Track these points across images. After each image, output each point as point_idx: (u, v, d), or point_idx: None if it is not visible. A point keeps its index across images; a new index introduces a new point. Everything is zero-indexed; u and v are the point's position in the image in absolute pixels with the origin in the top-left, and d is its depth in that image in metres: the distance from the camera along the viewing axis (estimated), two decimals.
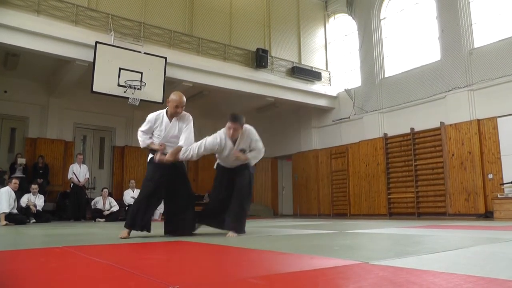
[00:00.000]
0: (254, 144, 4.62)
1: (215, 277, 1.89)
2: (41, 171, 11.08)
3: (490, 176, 9.74)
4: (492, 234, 4.32)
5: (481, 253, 2.64)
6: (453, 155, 10.46)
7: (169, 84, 10.65)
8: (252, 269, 2.14)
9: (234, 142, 4.53)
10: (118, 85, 9.55)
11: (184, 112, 4.45)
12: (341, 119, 13.82)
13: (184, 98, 4.43)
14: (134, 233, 4.26)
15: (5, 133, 11.88)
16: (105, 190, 10.89)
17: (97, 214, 10.45)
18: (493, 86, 9.86)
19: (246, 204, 4.61)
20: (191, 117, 4.51)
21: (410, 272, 1.84)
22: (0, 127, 11.79)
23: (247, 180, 4.60)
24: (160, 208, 4.77)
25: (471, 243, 3.30)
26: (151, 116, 4.43)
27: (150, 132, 4.43)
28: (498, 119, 9.73)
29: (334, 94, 14.13)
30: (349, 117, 13.50)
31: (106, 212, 10.47)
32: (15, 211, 8.58)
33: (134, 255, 2.88)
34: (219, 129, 4.73)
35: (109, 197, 10.85)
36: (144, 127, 4.43)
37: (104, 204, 10.62)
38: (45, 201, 9.88)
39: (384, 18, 13.05)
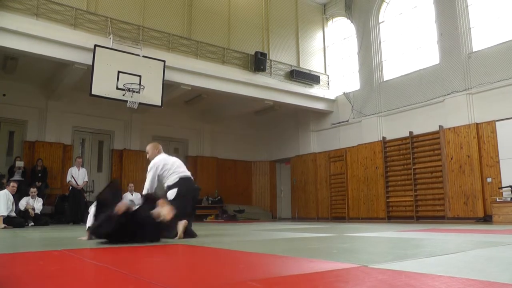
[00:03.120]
0: None
1: (214, 280, 1.89)
2: (39, 174, 11.05)
3: (489, 179, 9.74)
4: (491, 238, 4.32)
5: (480, 257, 2.63)
6: (451, 158, 10.47)
7: (168, 88, 10.66)
8: (251, 272, 2.14)
9: None
10: (117, 88, 9.54)
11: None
12: (339, 122, 13.82)
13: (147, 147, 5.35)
14: None
15: (4, 136, 11.85)
16: None
17: None
18: (492, 90, 9.88)
19: None
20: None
21: (409, 276, 1.84)
22: None
23: None
24: None
25: (470, 247, 3.30)
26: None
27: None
28: (497, 123, 9.74)
29: (333, 98, 14.14)
30: (347, 121, 13.51)
31: None
32: (13, 214, 8.56)
33: (132, 258, 2.87)
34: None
35: None
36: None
37: None
38: (43, 204, 9.85)
39: (383, 21, 13.09)
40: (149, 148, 5.28)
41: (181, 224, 4.40)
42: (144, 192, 4.85)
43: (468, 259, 2.49)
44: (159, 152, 5.20)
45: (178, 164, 5.07)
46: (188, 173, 5.09)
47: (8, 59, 10.03)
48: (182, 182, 4.89)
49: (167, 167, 4.95)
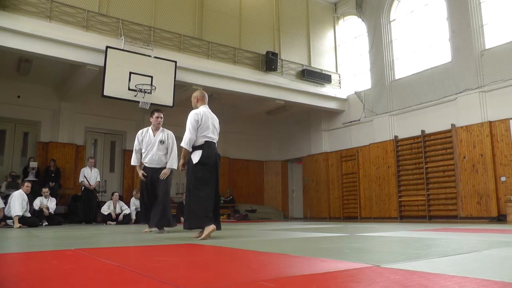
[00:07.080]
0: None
1: (226, 279, 1.89)
2: (53, 175, 11.20)
3: (503, 178, 9.61)
4: (505, 238, 4.26)
5: (494, 257, 2.60)
6: (464, 157, 10.35)
7: (180, 88, 10.72)
8: (262, 272, 2.14)
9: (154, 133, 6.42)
10: (129, 89, 9.62)
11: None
12: (351, 121, 13.76)
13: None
14: (143, 235, 4.28)
15: (18, 137, 12.05)
16: (116, 194, 10.96)
17: (108, 217, 10.51)
18: (505, 88, 9.74)
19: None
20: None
21: (422, 276, 1.82)
22: (13, 132, 11.97)
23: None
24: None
25: (484, 247, 3.26)
26: None
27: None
28: (511, 121, 9.60)
29: (344, 97, 14.08)
30: (359, 120, 13.44)
31: (121, 217, 10.52)
32: (28, 214, 8.69)
33: (144, 257, 2.90)
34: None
35: (120, 201, 10.92)
36: None
37: (115, 208, 10.69)
38: (57, 204, 9.99)
39: (394, 19, 12.99)
40: (195, 95, 4.84)
41: (209, 230, 4.29)
42: (183, 144, 4.49)
43: (482, 259, 2.46)
44: (202, 103, 4.77)
45: (212, 129, 4.65)
46: (215, 139, 4.70)
47: (22, 61, 10.19)
48: (207, 145, 4.54)
49: (205, 126, 4.56)
